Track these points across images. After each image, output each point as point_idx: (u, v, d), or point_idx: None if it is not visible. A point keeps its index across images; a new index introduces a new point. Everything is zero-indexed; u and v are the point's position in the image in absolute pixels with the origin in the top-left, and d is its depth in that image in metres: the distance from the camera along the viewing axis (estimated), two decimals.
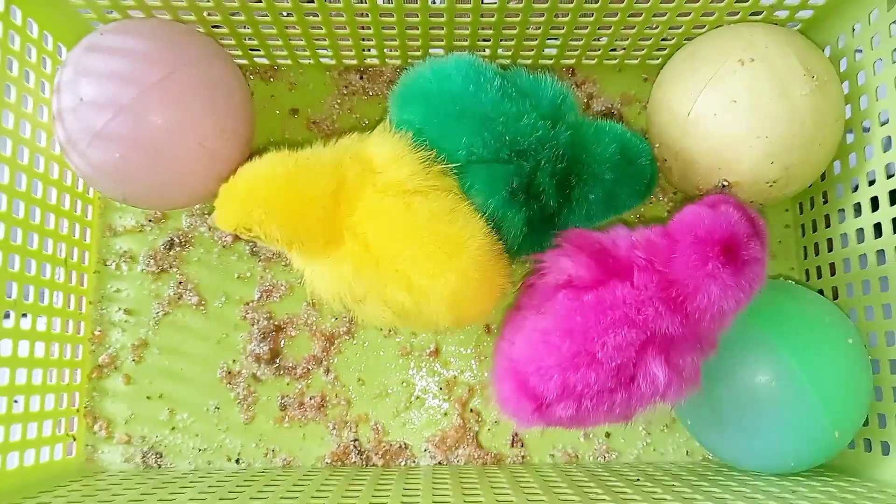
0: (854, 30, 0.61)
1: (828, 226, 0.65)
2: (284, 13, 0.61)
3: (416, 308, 0.53)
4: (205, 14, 0.62)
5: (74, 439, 0.65)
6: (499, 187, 0.54)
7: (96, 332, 0.68)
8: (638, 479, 0.58)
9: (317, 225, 0.51)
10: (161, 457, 0.66)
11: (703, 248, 0.48)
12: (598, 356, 0.48)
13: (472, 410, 0.68)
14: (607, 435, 0.67)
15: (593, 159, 0.58)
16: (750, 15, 0.63)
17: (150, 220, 0.70)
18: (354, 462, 0.66)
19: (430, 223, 0.51)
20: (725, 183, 0.59)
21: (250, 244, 0.69)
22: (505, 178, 0.54)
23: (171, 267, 0.69)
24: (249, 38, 0.67)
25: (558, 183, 0.56)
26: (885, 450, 0.58)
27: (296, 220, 0.51)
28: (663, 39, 0.67)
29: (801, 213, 0.70)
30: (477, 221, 0.53)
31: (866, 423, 0.58)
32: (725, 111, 0.57)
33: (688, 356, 0.49)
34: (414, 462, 0.67)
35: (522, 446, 0.67)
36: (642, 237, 0.51)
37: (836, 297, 0.65)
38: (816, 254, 0.67)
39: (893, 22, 0.56)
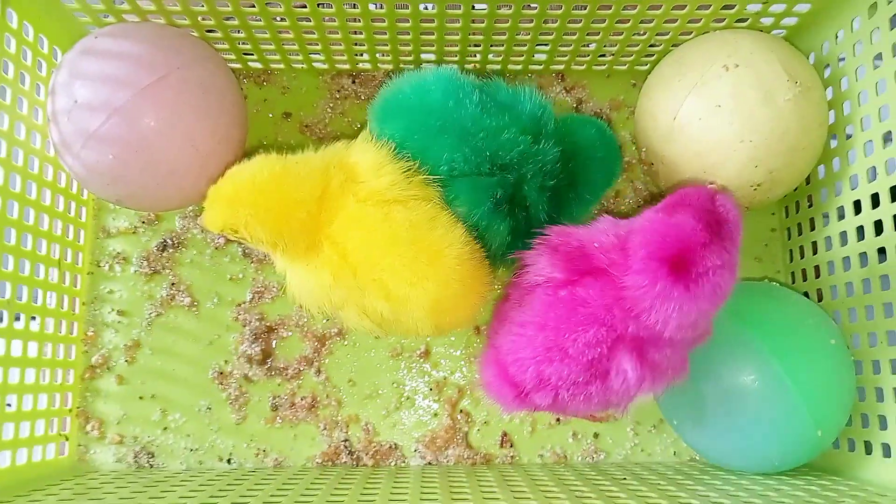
0: (837, 37, 0.62)
1: (813, 229, 0.66)
2: (278, 18, 0.62)
3: (394, 317, 0.54)
4: (199, 18, 0.63)
5: (67, 439, 0.66)
6: (482, 199, 0.55)
7: (89, 333, 0.68)
8: (624, 479, 0.59)
9: (300, 229, 0.52)
10: (153, 457, 0.66)
11: (651, 268, 0.47)
12: (569, 351, 0.48)
13: (461, 411, 0.68)
14: (595, 435, 0.68)
15: (583, 145, 0.60)
16: (736, 22, 0.64)
17: (143, 222, 0.70)
18: (345, 462, 0.67)
19: (409, 232, 0.52)
20: (713, 185, 0.60)
21: (242, 246, 0.70)
22: (488, 189, 0.55)
23: (163, 268, 0.70)
24: (243, 43, 0.67)
25: (551, 196, 0.57)
26: (868, 449, 0.58)
27: (280, 222, 0.52)
28: (651, 46, 0.68)
29: (787, 216, 0.71)
30: (456, 230, 0.54)
31: (849, 424, 0.59)
32: (710, 116, 0.58)
33: (666, 350, 0.49)
34: (404, 462, 0.67)
35: (511, 447, 0.68)
36: (609, 241, 0.51)
37: (820, 299, 0.65)
38: (802, 257, 0.68)
39: (875, 29, 0.57)
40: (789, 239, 0.71)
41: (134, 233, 0.70)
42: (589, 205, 0.62)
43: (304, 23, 0.63)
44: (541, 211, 0.57)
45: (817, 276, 0.66)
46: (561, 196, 0.58)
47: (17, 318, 0.59)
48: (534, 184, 0.56)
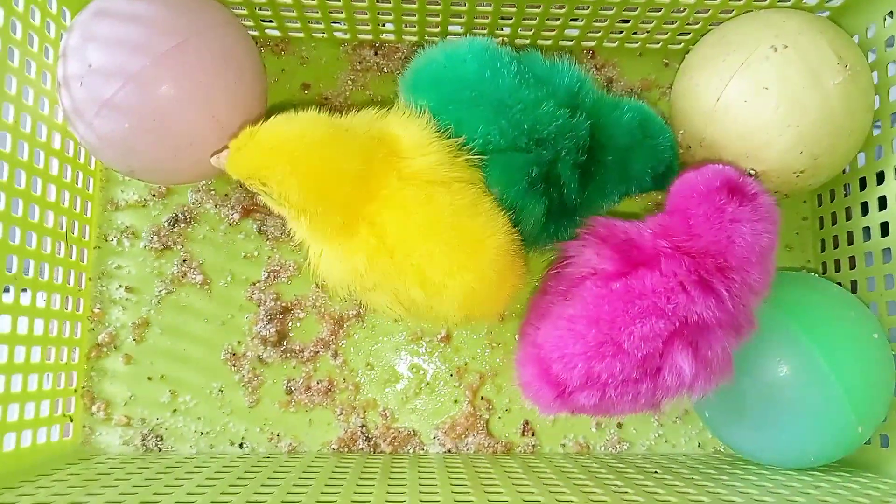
0: (886, 20, 0.60)
1: (849, 218, 0.65)
2: None
3: (427, 304, 0.51)
4: None
5: (71, 420, 0.63)
6: (517, 177, 0.52)
7: (96, 310, 0.65)
8: (656, 472, 0.57)
9: (341, 202, 0.48)
10: (161, 440, 0.64)
11: (712, 200, 0.49)
12: (623, 346, 0.47)
13: (482, 398, 0.66)
14: (619, 425, 0.66)
15: (611, 124, 0.57)
16: (779, 1, 0.62)
17: (153, 195, 0.67)
18: (362, 448, 0.65)
19: (452, 217, 0.49)
20: (752, 172, 0.58)
21: (258, 223, 0.67)
22: (524, 167, 0.52)
23: (174, 244, 0.66)
24: (262, 9, 0.64)
25: (581, 174, 0.55)
26: None
27: (322, 189, 0.47)
28: (688, 24, 0.65)
29: (820, 205, 0.69)
30: (498, 217, 0.51)
31: (884, 420, 0.58)
32: (756, 98, 0.56)
33: (718, 344, 0.48)
34: (423, 450, 0.65)
35: (533, 435, 0.66)
36: (656, 225, 0.50)
37: (854, 290, 0.64)
38: (836, 247, 0.67)
39: None
40: (822, 228, 0.69)
41: (144, 206, 0.67)
42: (623, 187, 0.59)
43: None
44: (573, 191, 0.54)
45: (852, 266, 0.64)
46: (588, 176, 0.56)
47: (24, 290, 0.56)
48: (567, 161, 0.53)
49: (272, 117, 0.50)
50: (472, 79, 0.53)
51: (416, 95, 0.55)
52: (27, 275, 0.56)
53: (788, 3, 0.62)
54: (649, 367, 0.47)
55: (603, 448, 0.66)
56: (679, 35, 0.67)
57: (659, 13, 0.63)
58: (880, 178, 0.61)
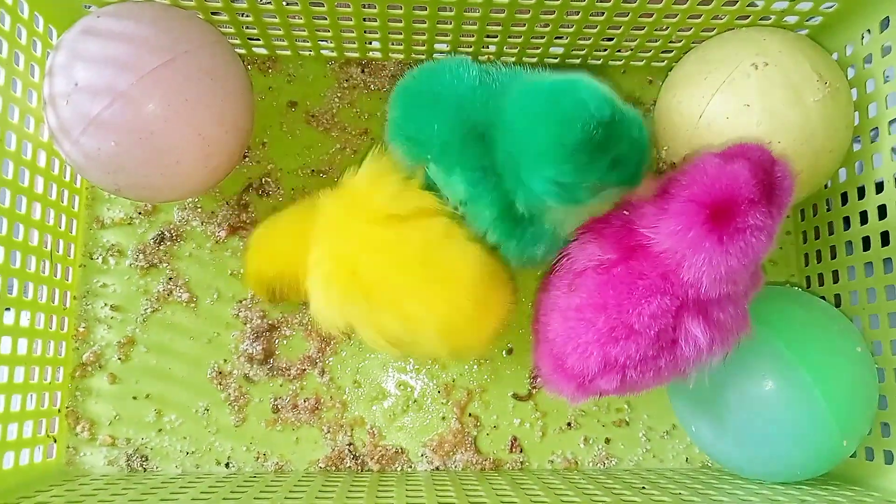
0: (863, 38, 0.61)
1: (831, 233, 0.65)
2: (288, 1, 0.59)
3: (410, 337, 0.52)
4: (205, 0, 0.60)
5: (55, 441, 0.62)
6: (472, 164, 0.51)
7: (80, 329, 0.65)
8: (644, 487, 0.57)
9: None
10: (146, 460, 0.63)
11: (690, 210, 0.45)
12: (635, 327, 0.47)
13: (470, 415, 0.66)
14: (607, 441, 0.66)
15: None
16: (760, 19, 0.63)
17: (139, 213, 0.67)
18: (349, 467, 0.64)
19: (423, 252, 0.50)
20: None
21: (244, 240, 0.67)
22: (477, 156, 0.51)
23: (160, 262, 0.66)
24: (249, 27, 0.64)
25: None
26: (889, 459, 0.57)
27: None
28: (671, 42, 0.66)
29: (803, 219, 0.70)
30: (472, 248, 0.51)
31: (869, 433, 0.58)
32: (738, 115, 0.56)
33: (729, 307, 0.48)
34: (410, 467, 0.65)
35: (521, 452, 0.66)
36: (637, 209, 0.50)
37: (838, 304, 0.64)
38: (819, 261, 0.67)
39: None
40: (805, 242, 0.70)
41: (129, 224, 0.67)
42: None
43: (317, 7, 0.60)
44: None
45: (835, 280, 0.65)
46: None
47: (8, 309, 0.55)
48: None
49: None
50: (438, 85, 0.53)
51: (394, 108, 0.55)
52: (11, 293, 0.56)
53: (769, 22, 0.63)
54: (664, 342, 0.47)
55: (591, 463, 0.66)
56: (662, 52, 0.68)
57: (642, 31, 0.64)
58: (861, 192, 0.62)
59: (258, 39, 0.67)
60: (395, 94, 0.55)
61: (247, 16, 0.62)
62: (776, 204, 0.47)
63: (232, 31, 0.65)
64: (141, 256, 0.66)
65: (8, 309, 0.55)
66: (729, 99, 0.57)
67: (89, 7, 0.61)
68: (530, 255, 0.54)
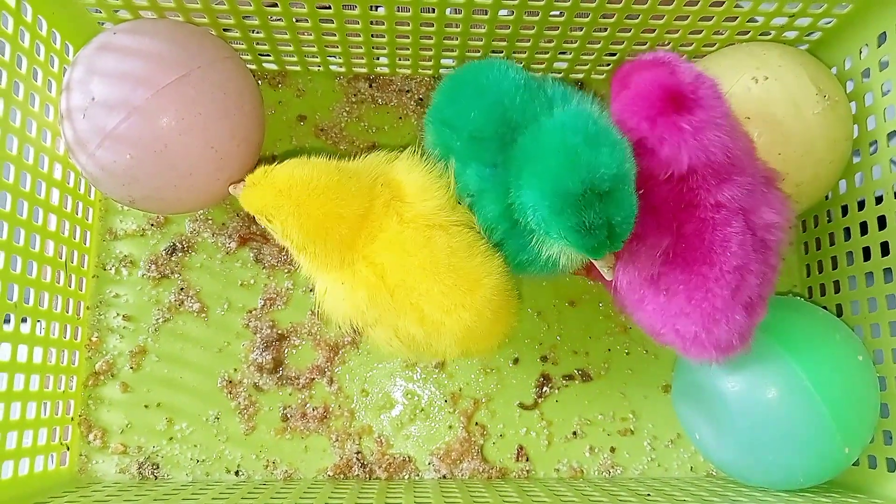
0: (861, 52, 0.62)
1: (832, 244, 0.66)
2: (298, 19, 0.61)
3: (426, 340, 0.53)
4: (217, 17, 0.61)
5: (68, 448, 0.63)
6: (485, 157, 0.52)
7: (93, 338, 0.66)
8: (648, 495, 0.58)
9: (336, 243, 0.51)
10: (157, 468, 0.64)
11: (658, 121, 0.48)
12: (738, 264, 0.49)
13: (476, 424, 0.67)
14: (612, 450, 0.67)
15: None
16: (760, 35, 0.64)
17: (151, 225, 0.68)
18: (357, 475, 0.65)
19: (449, 259, 0.51)
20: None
21: (254, 251, 0.68)
22: (492, 150, 0.51)
23: (172, 273, 0.67)
24: (260, 43, 0.66)
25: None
26: (892, 466, 0.58)
27: (319, 232, 0.50)
28: None
29: (805, 231, 0.71)
30: (494, 259, 0.52)
31: (871, 440, 0.59)
32: None
33: (761, 188, 0.51)
34: (418, 475, 0.66)
35: (527, 460, 0.66)
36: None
37: (840, 314, 0.65)
38: (820, 271, 0.68)
39: None
40: (807, 253, 0.71)
41: (142, 235, 0.68)
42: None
43: (327, 24, 0.62)
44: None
45: (837, 290, 0.66)
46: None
47: (24, 319, 0.57)
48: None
49: (287, 160, 0.52)
50: (485, 78, 0.53)
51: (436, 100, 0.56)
52: (27, 303, 0.57)
53: (769, 37, 0.64)
54: (761, 250, 0.50)
55: (596, 472, 0.67)
56: None
57: (644, 46, 0.65)
58: (861, 204, 0.63)
59: (269, 55, 0.68)
60: (443, 81, 0.57)
61: (258, 32, 0.64)
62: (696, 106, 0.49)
63: (244, 47, 0.66)
64: (153, 267, 0.67)
65: (24, 320, 0.56)
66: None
67: (104, 24, 0.62)
68: (527, 258, 0.54)
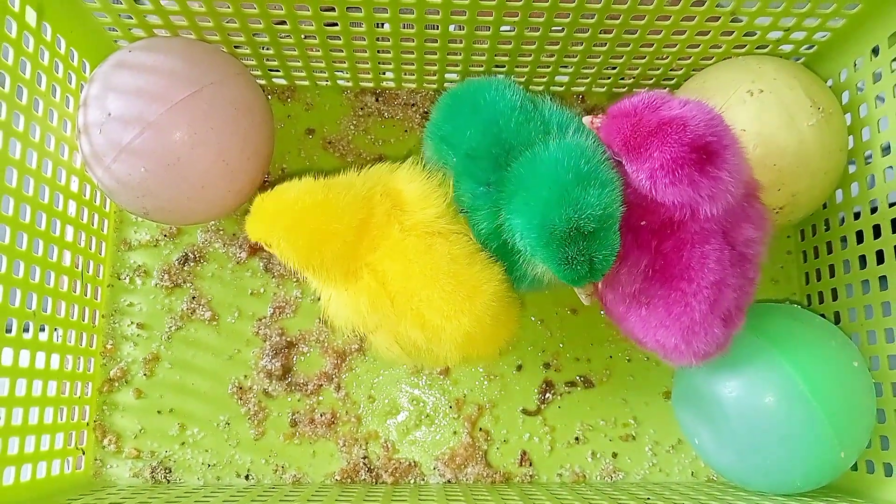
0: (856, 64, 0.63)
1: (830, 252, 0.67)
2: (307, 35, 0.63)
3: (426, 346, 0.54)
4: (228, 34, 0.63)
5: (83, 453, 0.65)
6: (479, 177, 0.53)
7: (108, 346, 0.68)
8: (648, 499, 0.59)
9: (333, 257, 0.52)
10: (170, 472, 0.66)
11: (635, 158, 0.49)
12: (716, 279, 0.50)
13: (480, 429, 0.68)
14: (614, 455, 0.68)
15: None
16: (756, 48, 0.65)
17: (164, 235, 0.70)
18: (364, 479, 0.66)
19: (450, 266, 0.52)
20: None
21: (264, 261, 0.70)
22: (485, 170, 0.52)
23: (184, 282, 0.69)
24: (270, 59, 0.68)
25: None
26: (889, 471, 0.59)
27: (312, 250, 0.52)
28: (671, 70, 0.69)
29: (803, 239, 0.72)
30: (494, 267, 0.53)
31: (869, 445, 0.60)
32: None
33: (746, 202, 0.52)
34: (423, 480, 0.67)
35: (531, 465, 0.68)
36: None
37: (838, 321, 0.66)
38: (818, 279, 0.69)
39: (895, 59, 0.59)
40: (805, 262, 0.72)
41: (155, 246, 0.70)
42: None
43: (334, 41, 0.64)
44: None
45: (834, 298, 0.67)
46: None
47: (42, 330, 0.59)
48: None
49: (276, 185, 0.54)
50: (481, 97, 0.55)
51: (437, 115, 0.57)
52: (45, 311, 0.59)
53: (765, 51, 0.66)
54: (740, 264, 0.51)
55: (598, 477, 0.68)
56: (663, 80, 0.71)
57: (643, 60, 0.67)
58: (857, 213, 0.64)
59: (278, 71, 0.70)
60: (441, 98, 0.58)
61: (268, 49, 0.66)
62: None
63: (254, 63, 0.68)
64: (166, 277, 0.69)
65: (42, 329, 0.58)
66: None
67: (119, 42, 0.65)
68: (516, 275, 0.54)
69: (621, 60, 0.67)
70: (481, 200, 0.52)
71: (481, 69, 0.68)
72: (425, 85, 0.73)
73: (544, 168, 0.49)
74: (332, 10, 0.59)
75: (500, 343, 0.56)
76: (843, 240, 0.66)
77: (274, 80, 0.72)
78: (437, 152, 0.56)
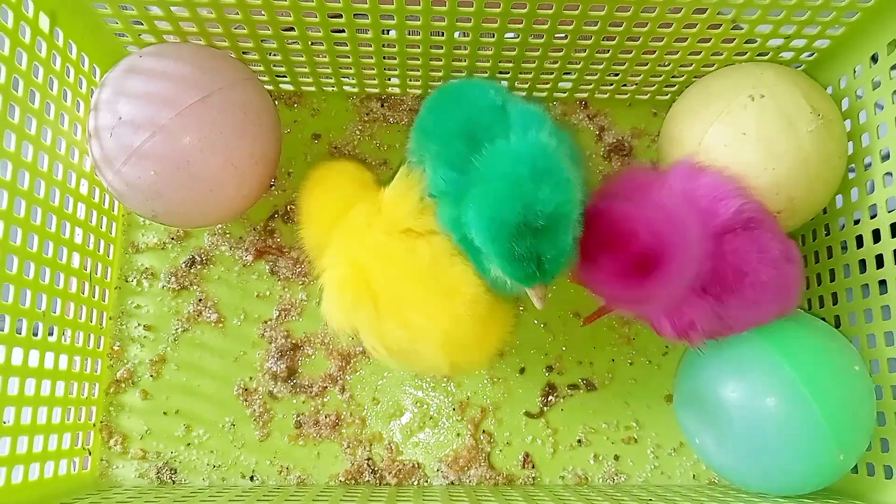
0: (856, 71, 0.64)
1: (830, 256, 0.68)
2: (314, 42, 0.64)
3: (410, 346, 0.54)
4: (237, 41, 0.64)
5: (90, 453, 0.66)
6: (447, 162, 0.53)
7: (115, 347, 0.69)
8: (650, 500, 0.59)
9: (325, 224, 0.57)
10: (175, 472, 0.67)
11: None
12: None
13: (484, 432, 0.69)
14: (616, 457, 0.69)
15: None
16: (757, 55, 0.66)
17: (172, 238, 0.71)
18: (368, 481, 0.67)
19: (431, 266, 0.53)
20: None
21: (270, 264, 0.71)
22: (453, 157, 0.53)
23: (191, 284, 0.70)
24: (277, 65, 0.69)
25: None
26: (888, 474, 0.59)
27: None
28: (673, 77, 0.70)
29: (804, 244, 0.73)
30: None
31: (869, 448, 0.60)
32: (735, 143, 0.60)
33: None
34: (426, 482, 0.68)
35: (533, 467, 0.68)
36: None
37: (838, 325, 0.67)
38: (819, 283, 0.70)
39: (894, 66, 0.60)
40: (806, 266, 0.73)
41: (162, 248, 0.71)
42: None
43: (341, 47, 0.65)
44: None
45: (835, 302, 0.68)
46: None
47: (51, 333, 0.59)
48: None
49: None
50: (464, 94, 0.57)
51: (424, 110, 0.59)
52: (54, 312, 0.60)
53: (766, 58, 0.67)
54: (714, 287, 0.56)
55: (601, 479, 0.68)
56: (666, 87, 0.72)
57: (646, 67, 0.68)
58: (857, 219, 0.65)
59: (285, 76, 0.71)
60: (429, 95, 0.60)
61: (275, 55, 0.67)
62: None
63: (262, 69, 0.69)
64: (173, 279, 0.70)
65: (51, 333, 0.59)
66: (726, 128, 0.61)
67: (130, 48, 0.66)
68: (483, 276, 0.54)
69: (624, 67, 0.68)
70: (450, 186, 0.53)
71: (485, 76, 0.69)
72: (430, 91, 0.73)
73: (500, 161, 0.49)
74: (340, 16, 0.60)
75: (490, 349, 0.57)
76: (843, 244, 0.66)
77: (281, 85, 0.73)
78: (417, 142, 0.57)
